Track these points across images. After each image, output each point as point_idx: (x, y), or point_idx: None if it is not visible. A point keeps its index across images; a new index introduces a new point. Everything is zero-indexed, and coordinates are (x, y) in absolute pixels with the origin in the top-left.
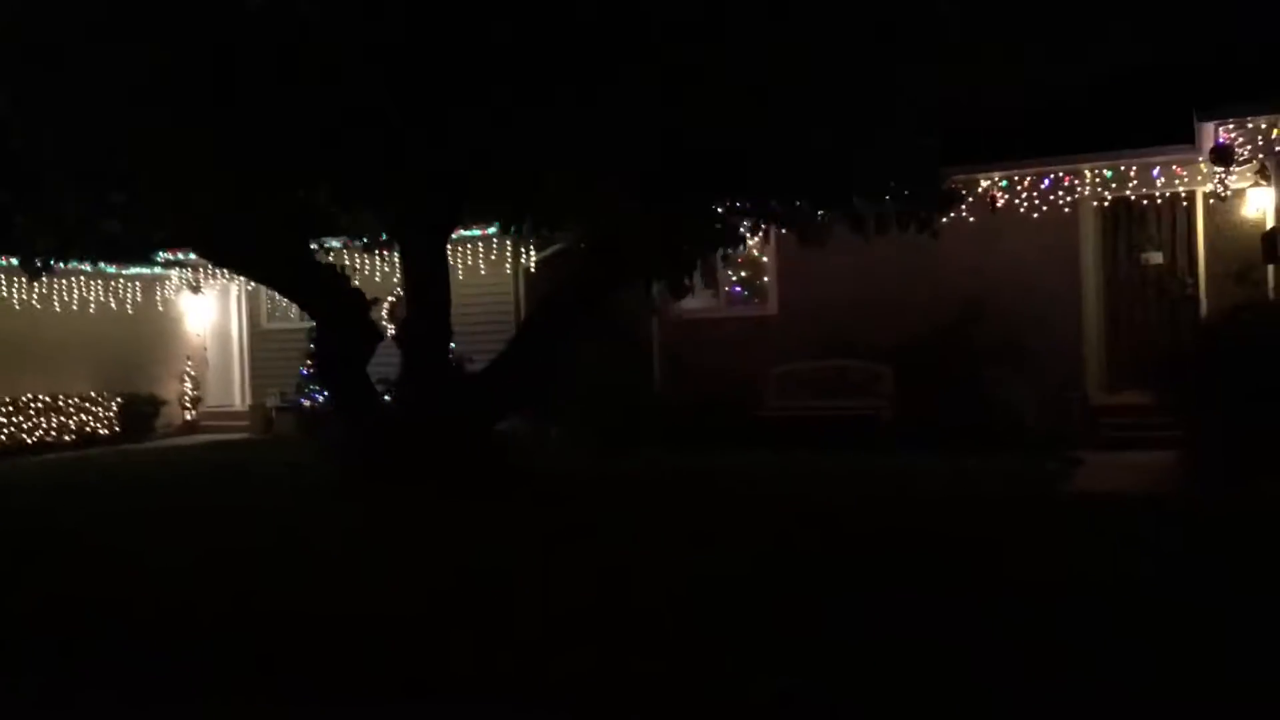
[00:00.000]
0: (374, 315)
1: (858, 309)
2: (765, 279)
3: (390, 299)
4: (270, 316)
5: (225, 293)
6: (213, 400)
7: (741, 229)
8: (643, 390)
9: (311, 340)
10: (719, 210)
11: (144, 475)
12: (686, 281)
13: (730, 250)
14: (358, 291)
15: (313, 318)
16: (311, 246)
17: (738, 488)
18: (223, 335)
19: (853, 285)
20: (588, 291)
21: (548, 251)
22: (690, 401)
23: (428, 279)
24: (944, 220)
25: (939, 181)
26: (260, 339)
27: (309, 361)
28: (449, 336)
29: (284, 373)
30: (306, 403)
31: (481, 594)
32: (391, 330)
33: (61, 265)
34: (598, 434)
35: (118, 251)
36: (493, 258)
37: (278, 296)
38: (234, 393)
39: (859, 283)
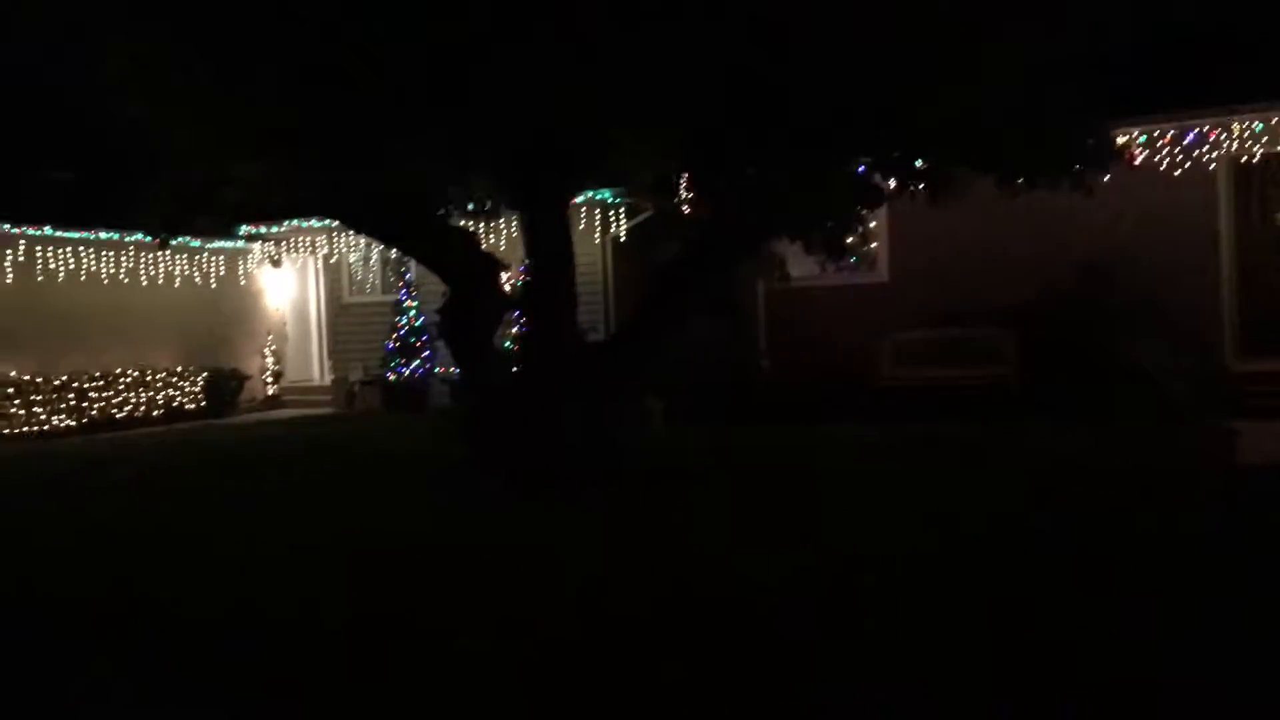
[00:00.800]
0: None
1: (975, 273)
2: (874, 244)
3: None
4: (351, 290)
5: (304, 267)
6: (292, 375)
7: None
8: (748, 362)
9: (398, 313)
10: (861, 169)
11: (260, 453)
12: (845, 240)
13: (868, 210)
14: (491, 257)
15: (445, 283)
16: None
17: (891, 463)
18: (301, 310)
19: (970, 248)
20: (712, 258)
21: (638, 219)
22: (798, 372)
23: (551, 250)
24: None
25: (1104, 135)
26: (341, 313)
27: (394, 335)
28: (574, 309)
29: (365, 347)
30: (391, 376)
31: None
32: None
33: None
34: (704, 407)
35: (239, 218)
36: (580, 228)
37: (359, 270)
38: (312, 367)
39: (977, 246)
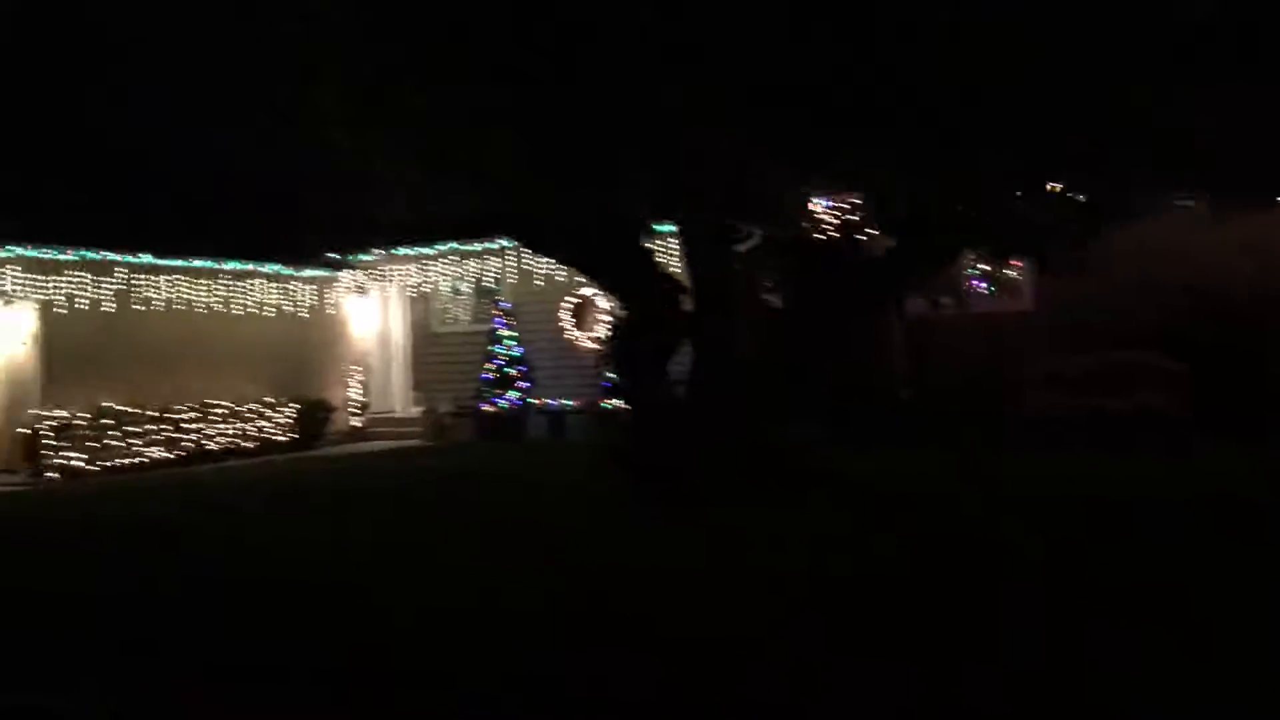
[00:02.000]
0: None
1: (1127, 299)
2: (1011, 271)
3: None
4: (441, 321)
5: (387, 296)
6: (374, 406)
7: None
8: (886, 388)
9: (494, 342)
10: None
11: (376, 486)
12: (1076, 256)
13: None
14: (674, 279)
15: (625, 305)
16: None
17: (1063, 493)
18: (383, 340)
19: (1122, 273)
20: (881, 280)
21: (749, 243)
22: (939, 400)
23: (714, 281)
24: None
25: None
26: (431, 343)
27: (490, 365)
28: (738, 333)
29: (454, 378)
30: (487, 407)
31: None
32: None
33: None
34: (844, 433)
35: (405, 237)
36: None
37: (450, 300)
38: (394, 398)
39: (1130, 270)
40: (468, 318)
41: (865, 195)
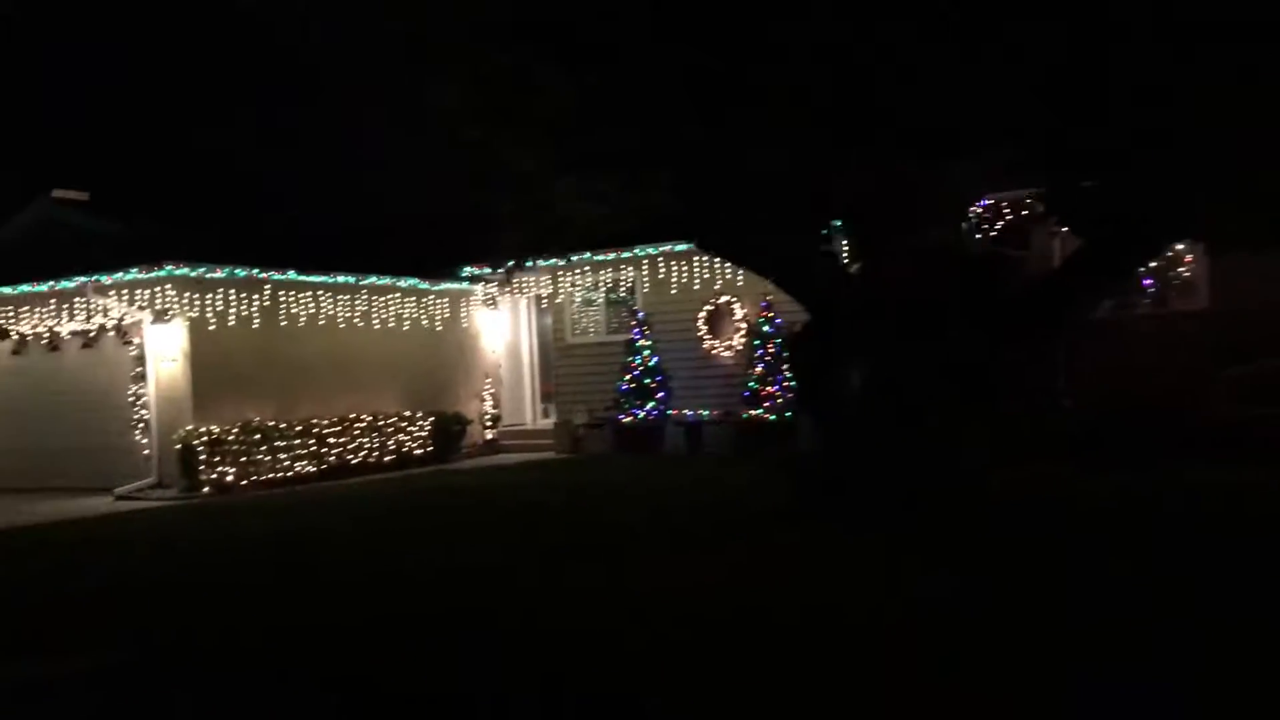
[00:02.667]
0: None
1: None
2: (1183, 269)
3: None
4: (574, 331)
5: (516, 308)
6: (505, 419)
7: None
8: (1047, 398)
9: (631, 352)
10: None
11: (535, 501)
12: None
13: None
14: (860, 284)
15: (808, 310)
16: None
17: None
18: (513, 352)
19: None
20: (1106, 275)
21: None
22: (1104, 409)
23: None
24: None
25: None
26: (564, 355)
27: (627, 376)
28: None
29: (587, 389)
30: (626, 419)
31: None
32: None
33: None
34: (1003, 447)
35: (591, 242)
36: None
37: (583, 310)
38: (525, 410)
39: None
40: (601, 328)
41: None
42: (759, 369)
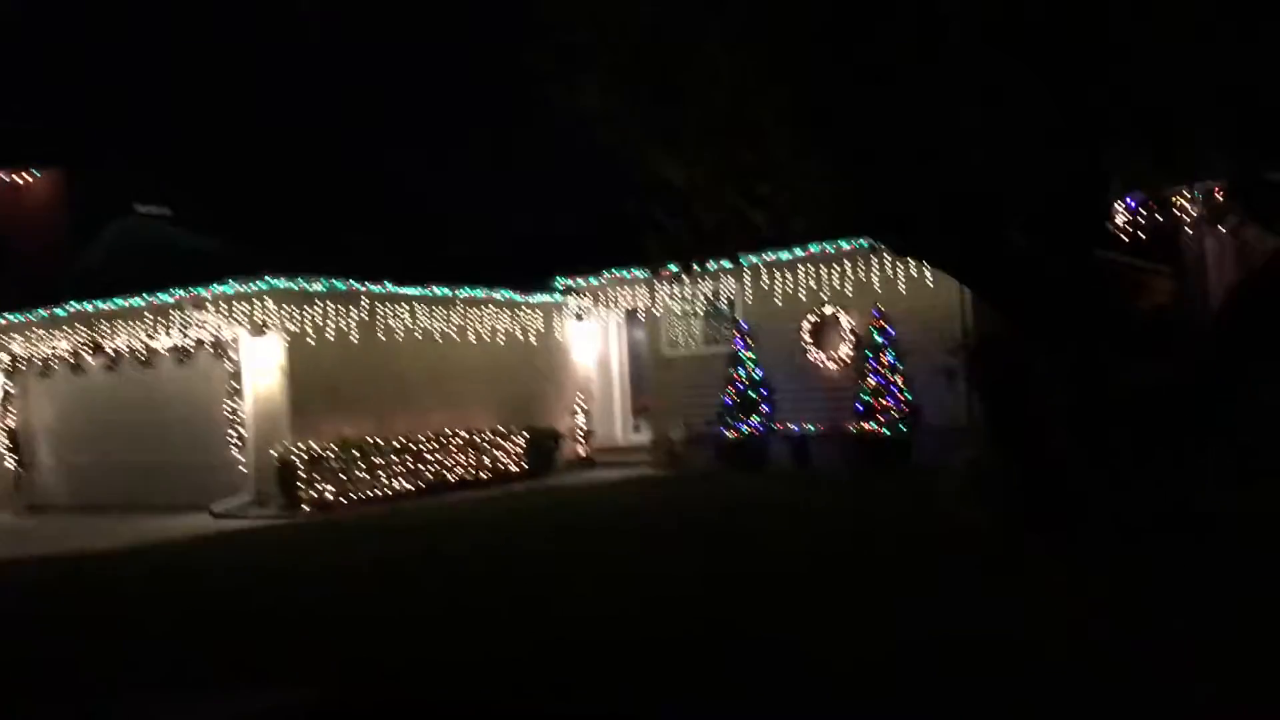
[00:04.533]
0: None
1: None
2: None
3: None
4: (670, 343)
5: (606, 321)
6: (597, 434)
7: None
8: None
9: (734, 364)
10: None
11: (659, 520)
12: None
13: None
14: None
15: (1014, 319)
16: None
17: None
18: (604, 365)
19: None
20: None
21: None
22: None
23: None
24: None
25: None
26: (662, 368)
27: (730, 389)
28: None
29: (684, 403)
30: (730, 433)
31: None
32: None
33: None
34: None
35: (755, 246)
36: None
37: (680, 321)
38: (615, 426)
39: None
40: (699, 340)
41: None
42: (871, 381)
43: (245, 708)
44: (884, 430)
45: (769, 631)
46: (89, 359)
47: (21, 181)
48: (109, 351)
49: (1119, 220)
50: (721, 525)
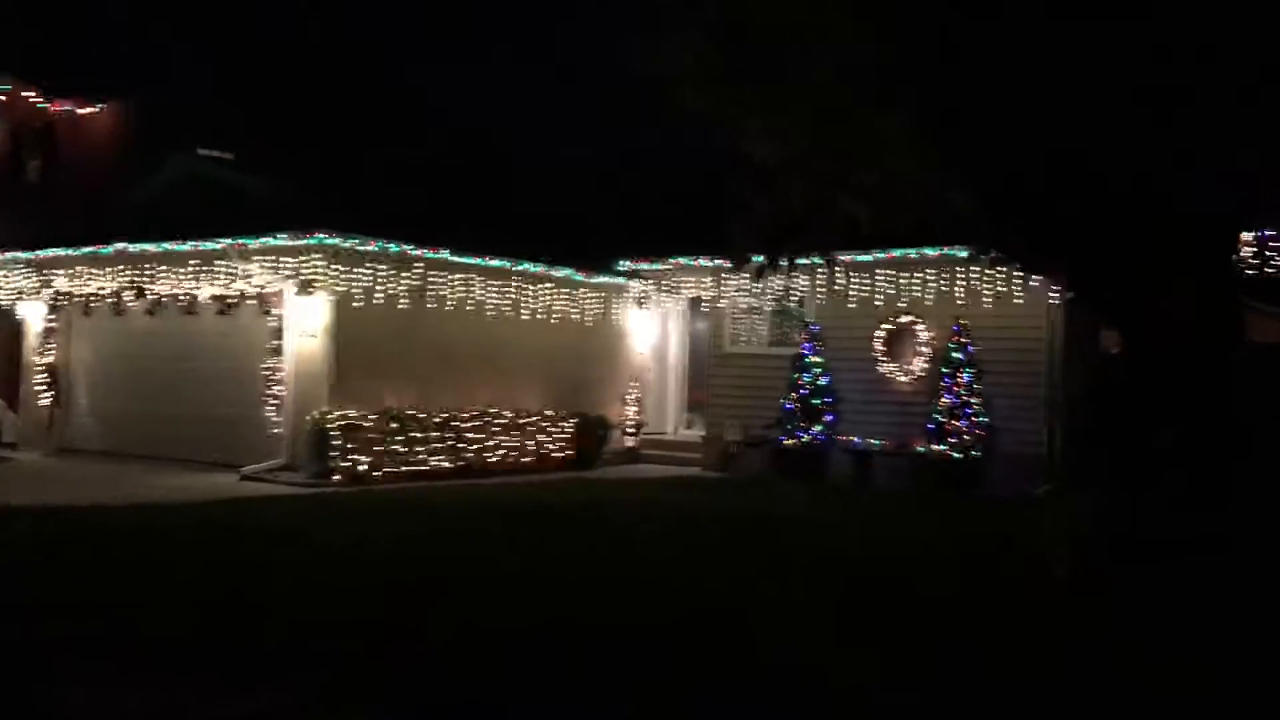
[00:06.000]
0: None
1: None
2: None
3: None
4: (734, 340)
5: (667, 310)
6: (647, 426)
7: None
8: None
9: (799, 369)
10: None
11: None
12: None
13: None
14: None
15: (1131, 337)
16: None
17: None
18: (659, 356)
19: None
20: None
21: None
22: None
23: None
24: None
25: None
26: (721, 364)
27: (793, 394)
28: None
29: (744, 403)
30: (788, 440)
31: None
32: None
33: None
34: None
35: (853, 240)
36: (1033, 283)
37: (745, 318)
38: (667, 420)
39: None
40: (764, 339)
41: None
42: (946, 400)
43: None
44: (955, 453)
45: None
46: (131, 301)
47: (83, 112)
48: (151, 295)
49: (1248, 252)
50: (781, 544)
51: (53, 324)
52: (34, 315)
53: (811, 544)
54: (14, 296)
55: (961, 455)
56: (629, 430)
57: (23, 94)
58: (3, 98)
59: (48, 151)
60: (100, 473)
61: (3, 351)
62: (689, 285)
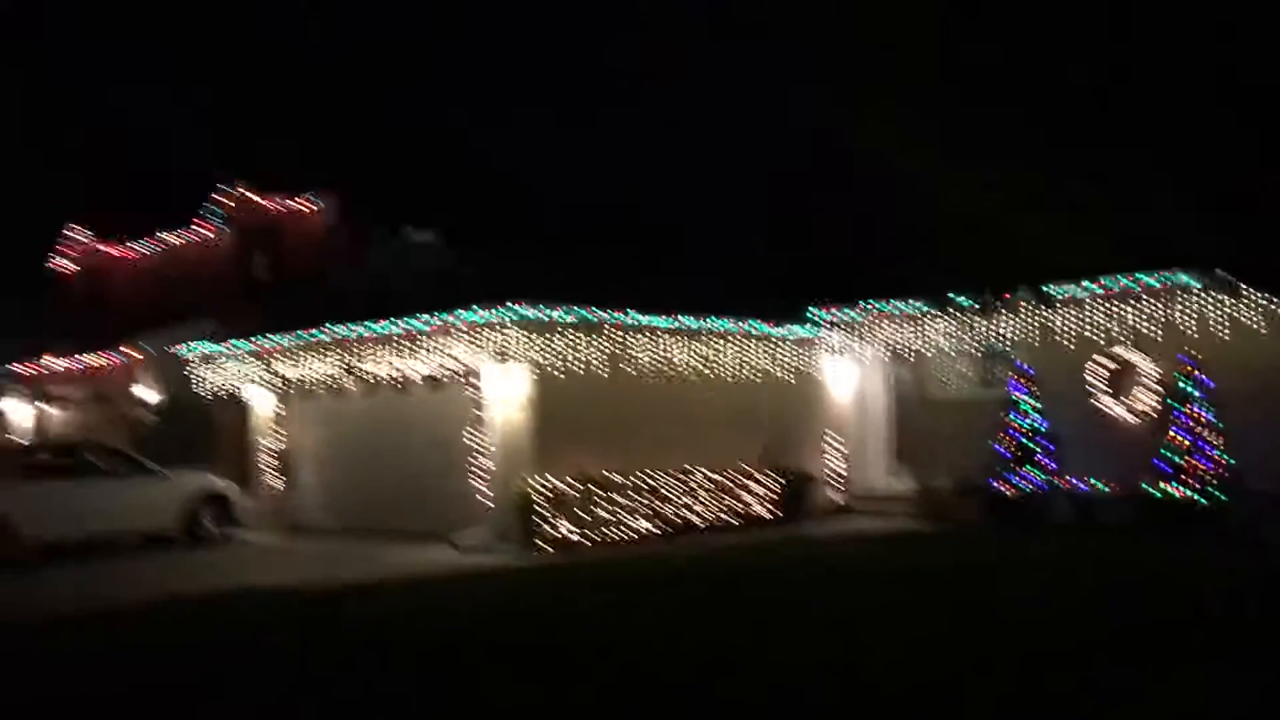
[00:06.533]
0: None
1: None
2: None
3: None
4: (938, 385)
5: (866, 357)
6: (853, 478)
7: None
8: None
9: (1010, 411)
10: None
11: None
12: None
13: None
14: None
15: None
16: None
17: None
18: (860, 405)
19: None
20: None
21: None
22: None
23: None
24: None
25: None
26: (925, 411)
27: (1006, 438)
28: None
29: (952, 451)
30: (1003, 487)
31: None
32: None
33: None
34: None
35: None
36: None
37: (949, 362)
38: (871, 471)
39: None
40: (972, 382)
41: None
42: (1179, 437)
43: None
44: (1192, 494)
45: None
46: (347, 382)
47: (300, 206)
48: (365, 375)
49: None
50: (1029, 611)
51: (279, 408)
52: (262, 400)
53: (1071, 608)
54: (244, 383)
55: (1199, 496)
56: (834, 483)
57: (247, 195)
58: (230, 200)
59: (271, 246)
60: (324, 551)
61: (235, 436)
62: (887, 331)
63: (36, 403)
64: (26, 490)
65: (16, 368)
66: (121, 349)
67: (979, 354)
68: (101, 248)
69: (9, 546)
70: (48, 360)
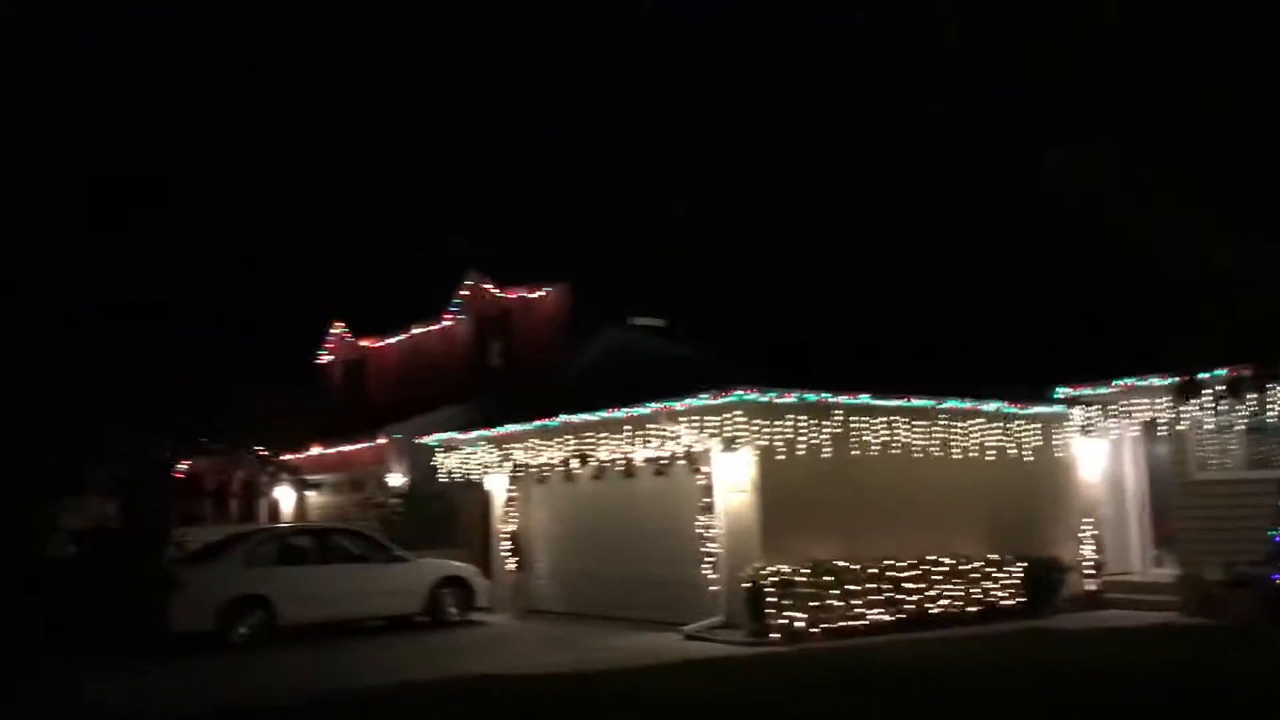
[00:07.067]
0: None
1: None
2: None
3: None
4: (1199, 464)
5: (1117, 435)
6: (1108, 566)
7: None
8: None
9: None
10: None
11: None
12: None
13: None
14: None
15: None
16: None
17: None
18: (1114, 486)
19: None
20: None
21: None
22: None
23: None
24: None
25: None
26: (1188, 493)
27: None
28: None
29: (1221, 536)
30: None
31: None
32: None
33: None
34: None
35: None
36: None
37: (1212, 439)
38: (1129, 557)
39: None
40: (1240, 461)
41: None
42: None
43: None
44: None
45: None
46: (577, 468)
47: (532, 296)
48: (594, 461)
49: None
50: None
51: (513, 494)
52: (498, 487)
53: None
54: (482, 471)
55: None
56: (1086, 572)
57: (483, 286)
58: (468, 292)
59: (504, 336)
60: (555, 635)
61: (475, 521)
62: (1140, 408)
63: (298, 489)
64: (285, 573)
65: (286, 457)
66: (373, 438)
67: (1246, 429)
68: (359, 341)
69: (267, 626)
70: (314, 449)
